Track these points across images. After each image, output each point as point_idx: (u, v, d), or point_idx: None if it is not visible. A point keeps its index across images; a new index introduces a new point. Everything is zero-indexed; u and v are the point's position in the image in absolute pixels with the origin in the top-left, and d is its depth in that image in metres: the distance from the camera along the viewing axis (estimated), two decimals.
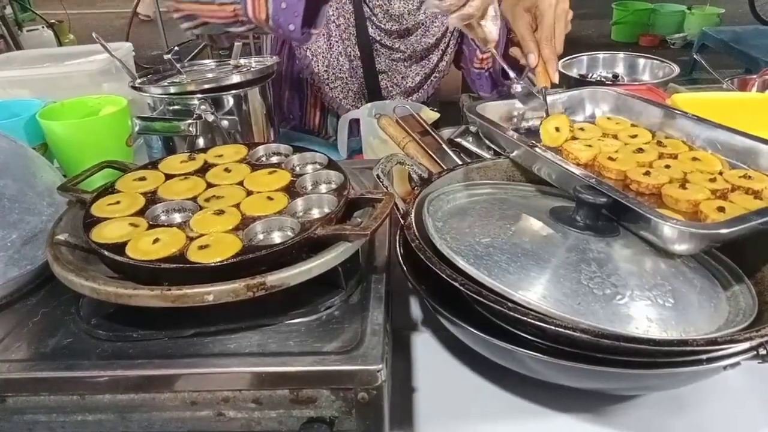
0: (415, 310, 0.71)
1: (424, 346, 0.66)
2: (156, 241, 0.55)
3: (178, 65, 1.02)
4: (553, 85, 0.87)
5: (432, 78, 1.28)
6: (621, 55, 1.44)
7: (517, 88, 0.82)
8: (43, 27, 4.19)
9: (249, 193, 0.63)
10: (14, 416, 0.51)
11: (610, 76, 1.41)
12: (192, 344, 0.52)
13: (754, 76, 1.32)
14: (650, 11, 5.29)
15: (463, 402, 0.60)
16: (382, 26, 1.17)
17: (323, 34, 1.19)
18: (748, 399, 0.60)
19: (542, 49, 0.86)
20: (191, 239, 0.55)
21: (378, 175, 0.68)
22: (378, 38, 1.18)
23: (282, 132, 1.24)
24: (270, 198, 0.61)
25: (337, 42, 1.19)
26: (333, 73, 1.22)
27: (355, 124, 1.11)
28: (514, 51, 0.93)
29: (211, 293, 0.49)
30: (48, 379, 0.49)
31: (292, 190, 0.64)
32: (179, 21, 0.95)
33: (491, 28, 0.78)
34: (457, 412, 0.59)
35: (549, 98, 0.87)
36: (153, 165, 0.71)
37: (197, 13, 0.90)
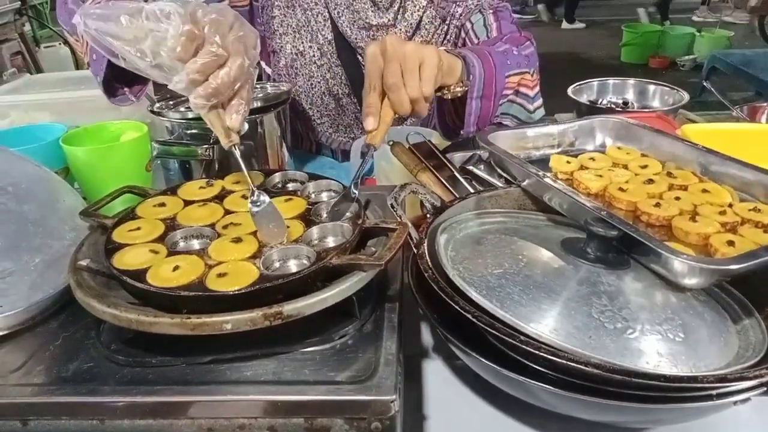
0: (426, 336, 0.72)
1: (436, 373, 0.67)
2: (176, 268, 0.56)
3: None
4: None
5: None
6: (631, 81, 1.46)
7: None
8: (60, 44, 4.27)
9: None
10: None
11: (620, 102, 1.42)
12: (209, 371, 0.53)
13: (765, 104, 1.33)
14: (660, 33, 5.32)
15: (475, 430, 0.60)
16: None
17: (303, 74, 1.19)
18: None
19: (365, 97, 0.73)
20: (210, 267, 0.57)
21: (392, 204, 0.69)
22: None
23: (297, 153, 1.26)
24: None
25: (319, 82, 1.20)
26: (318, 111, 1.23)
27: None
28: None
29: (229, 322, 0.50)
30: (69, 403, 0.51)
31: (307, 218, 0.65)
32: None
33: (236, 115, 0.65)
34: None
35: (560, 127, 0.89)
36: (172, 191, 0.72)
37: (74, 43, 0.92)
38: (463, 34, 1.14)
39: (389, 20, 1.11)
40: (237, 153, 0.66)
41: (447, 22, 1.14)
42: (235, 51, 0.61)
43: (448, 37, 1.16)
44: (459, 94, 0.86)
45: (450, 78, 0.83)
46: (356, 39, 1.13)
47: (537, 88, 1.04)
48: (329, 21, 1.14)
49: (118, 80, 0.87)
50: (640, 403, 0.49)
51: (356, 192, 0.68)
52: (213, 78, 0.61)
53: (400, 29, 1.13)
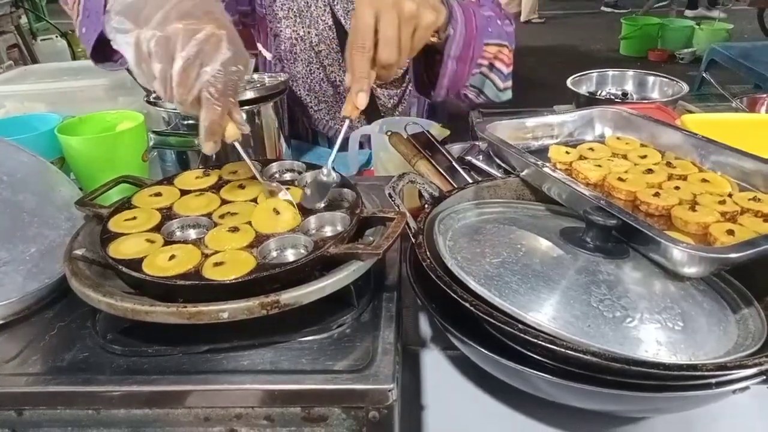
0: (425, 326, 0.71)
1: (434, 363, 0.67)
2: (172, 257, 0.55)
3: None
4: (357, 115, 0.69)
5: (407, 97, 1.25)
6: (630, 72, 1.45)
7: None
8: (56, 36, 4.25)
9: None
10: (30, 429, 0.51)
11: (619, 93, 1.42)
12: (206, 360, 0.53)
13: (764, 95, 1.33)
14: (659, 26, 5.31)
15: (472, 421, 0.60)
16: None
17: (302, 59, 1.18)
18: (757, 422, 0.60)
19: (353, 59, 0.66)
20: (206, 256, 0.56)
21: (390, 194, 0.69)
22: None
23: (294, 143, 1.25)
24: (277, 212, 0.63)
25: (318, 68, 1.19)
26: (315, 97, 1.23)
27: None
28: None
29: (226, 311, 0.50)
30: (64, 393, 0.50)
31: (304, 207, 0.65)
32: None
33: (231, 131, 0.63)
34: (465, 431, 0.59)
35: (559, 117, 0.88)
36: (168, 180, 0.72)
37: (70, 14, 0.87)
38: None
39: None
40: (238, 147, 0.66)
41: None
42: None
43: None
44: (431, 43, 0.81)
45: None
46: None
47: (511, 67, 1.00)
48: (329, 7, 1.14)
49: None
50: (638, 392, 0.48)
51: (334, 174, 0.66)
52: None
53: None
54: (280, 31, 1.19)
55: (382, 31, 0.66)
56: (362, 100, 0.66)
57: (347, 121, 0.69)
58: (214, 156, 0.93)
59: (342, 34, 1.15)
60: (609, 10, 6.82)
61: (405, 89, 1.24)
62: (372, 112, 1.23)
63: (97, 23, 0.78)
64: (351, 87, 0.67)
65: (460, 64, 0.90)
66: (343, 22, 1.13)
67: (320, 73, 1.20)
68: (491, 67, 0.97)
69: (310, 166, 0.73)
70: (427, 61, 0.91)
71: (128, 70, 1.00)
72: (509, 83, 1.01)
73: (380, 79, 0.70)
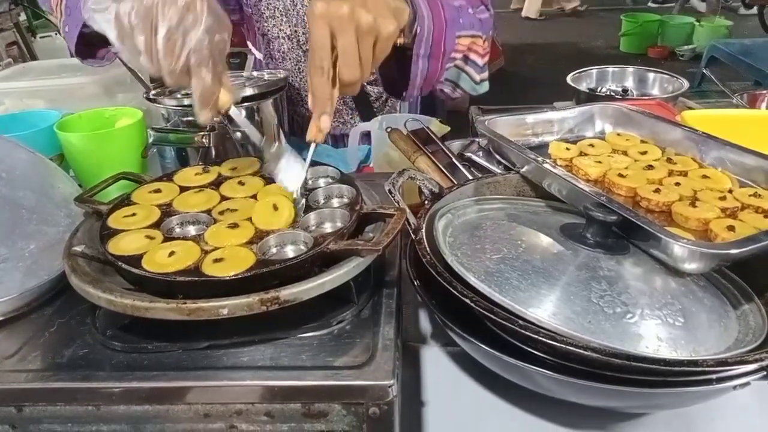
0: (425, 323, 0.71)
1: (434, 359, 0.67)
2: (172, 254, 0.55)
3: None
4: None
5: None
6: (630, 69, 1.45)
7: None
8: (56, 34, 4.23)
9: None
10: (30, 425, 0.51)
11: (619, 90, 1.42)
12: (205, 356, 0.52)
13: (765, 92, 1.33)
14: (659, 23, 5.30)
15: (473, 417, 0.60)
16: None
17: (290, 58, 1.18)
18: (758, 417, 0.60)
19: (312, 81, 0.62)
20: (206, 252, 0.56)
21: (390, 190, 0.69)
22: None
23: (293, 141, 1.25)
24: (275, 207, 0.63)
25: (307, 65, 1.18)
26: (306, 94, 1.22)
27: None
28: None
29: (225, 307, 0.50)
30: (64, 389, 0.50)
31: (305, 205, 0.64)
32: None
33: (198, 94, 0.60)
34: (466, 427, 0.59)
35: (559, 114, 0.88)
36: (168, 177, 0.72)
37: (55, 19, 0.87)
38: None
39: None
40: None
41: None
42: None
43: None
44: (398, 44, 0.78)
45: None
46: None
47: (487, 58, 0.96)
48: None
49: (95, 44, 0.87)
50: (639, 388, 0.48)
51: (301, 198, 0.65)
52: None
53: None
54: (268, 30, 1.18)
55: (340, 49, 0.61)
56: (325, 123, 0.63)
57: (313, 145, 0.66)
58: (213, 152, 0.94)
59: None
60: (656, 5, 6.73)
61: None
62: (364, 108, 1.23)
63: (78, 17, 0.77)
64: (313, 110, 0.63)
65: (432, 61, 0.86)
66: None
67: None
68: (466, 59, 0.94)
69: (311, 163, 0.73)
70: (397, 61, 0.87)
71: (125, 64, 1.00)
72: (485, 74, 0.98)
73: (345, 95, 0.67)
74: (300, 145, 1.27)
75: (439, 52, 0.86)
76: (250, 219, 0.62)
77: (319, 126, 0.63)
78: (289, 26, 1.16)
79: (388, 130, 0.91)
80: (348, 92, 0.65)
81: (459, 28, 0.90)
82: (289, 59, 1.19)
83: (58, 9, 0.83)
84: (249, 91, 0.96)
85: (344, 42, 0.61)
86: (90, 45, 0.85)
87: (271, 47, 1.20)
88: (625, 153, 0.79)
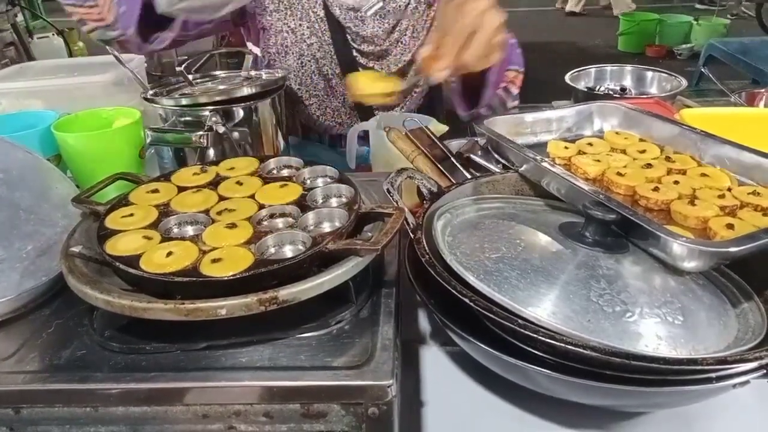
0: (424, 322, 0.71)
1: (433, 359, 0.66)
2: (169, 254, 0.55)
3: (189, 77, 1.03)
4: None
5: (413, 93, 1.26)
6: (629, 68, 1.45)
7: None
8: (53, 34, 4.23)
9: (261, 206, 0.64)
10: (28, 427, 0.51)
11: (617, 88, 1.42)
12: (204, 357, 0.52)
13: (762, 90, 1.33)
14: (657, 22, 5.30)
15: (472, 416, 0.60)
16: (358, 47, 1.16)
17: (293, 53, 1.18)
18: (757, 416, 0.60)
19: (443, 42, 0.73)
20: (204, 252, 0.56)
21: (388, 190, 0.68)
22: (357, 59, 1.17)
23: (292, 140, 1.25)
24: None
25: (309, 61, 1.18)
26: (307, 91, 1.22)
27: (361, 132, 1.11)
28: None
29: (224, 307, 0.50)
30: (62, 390, 0.50)
31: (303, 204, 0.64)
32: (78, 22, 0.98)
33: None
34: (465, 427, 0.59)
35: (558, 112, 0.88)
36: (165, 177, 0.71)
37: (78, 15, 0.92)
38: None
39: (376, 1, 1.11)
40: None
41: (433, 7, 1.15)
42: None
43: (435, 22, 1.15)
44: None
45: None
46: (345, 19, 1.12)
47: (519, 89, 1.08)
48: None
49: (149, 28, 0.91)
50: (638, 387, 0.48)
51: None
52: None
53: (389, 10, 1.12)
54: (271, 24, 1.18)
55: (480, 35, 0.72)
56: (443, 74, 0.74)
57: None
58: (212, 153, 0.94)
59: (334, 25, 1.14)
60: (704, 7, 6.74)
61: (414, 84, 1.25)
62: (363, 109, 1.23)
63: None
64: (433, 62, 0.73)
65: (491, 89, 0.96)
66: (338, 12, 1.12)
67: (312, 66, 1.19)
68: (506, 90, 1.04)
69: (308, 162, 0.73)
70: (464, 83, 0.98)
71: (124, 64, 1.00)
72: (516, 102, 1.08)
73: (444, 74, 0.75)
74: (300, 144, 1.28)
75: (498, 81, 0.97)
76: (248, 219, 0.61)
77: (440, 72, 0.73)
78: (294, 20, 1.16)
79: (387, 129, 0.91)
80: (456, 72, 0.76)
81: (509, 63, 1.03)
82: (292, 53, 1.19)
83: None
84: (247, 91, 0.95)
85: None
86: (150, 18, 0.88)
87: (272, 42, 1.20)
88: (623, 151, 0.79)
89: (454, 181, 0.78)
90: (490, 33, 0.73)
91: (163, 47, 0.95)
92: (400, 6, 1.12)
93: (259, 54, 1.25)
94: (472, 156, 0.85)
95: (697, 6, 6.74)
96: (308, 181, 0.70)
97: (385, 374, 0.49)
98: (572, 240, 0.61)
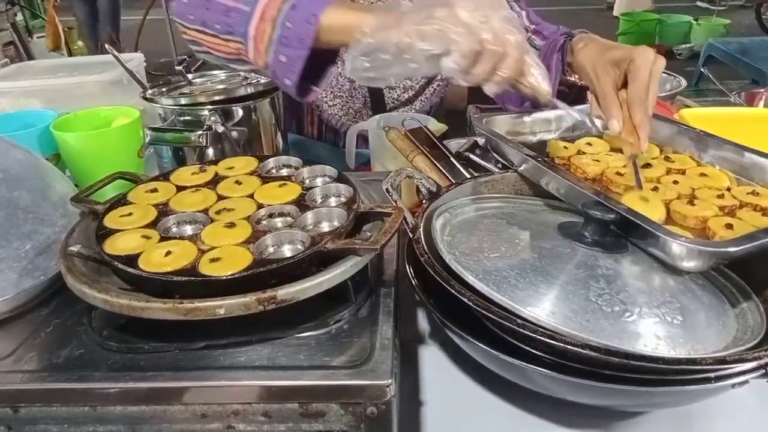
0: (423, 322, 0.71)
1: (432, 359, 0.66)
2: (168, 253, 0.55)
3: (189, 76, 1.03)
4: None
5: (434, 86, 1.27)
6: None
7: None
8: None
9: (260, 206, 0.64)
10: (26, 427, 0.51)
11: None
12: (202, 357, 0.52)
13: (762, 90, 1.33)
14: (656, 22, 5.30)
15: (471, 416, 0.60)
16: None
17: None
18: (756, 416, 0.60)
19: (633, 112, 0.73)
20: (203, 252, 0.56)
21: (387, 189, 0.68)
22: None
23: (291, 139, 1.25)
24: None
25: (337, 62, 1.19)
26: (332, 92, 1.22)
27: (362, 135, 1.11)
28: (593, 107, 0.80)
29: (222, 307, 0.50)
30: (60, 390, 0.50)
31: (302, 203, 0.64)
32: (188, 42, 0.92)
33: (539, 81, 0.67)
34: (464, 427, 0.59)
35: (557, 112, 0.88)
36: (164, 177, 0.71)
37: (202, 42, 0.82)
38: None
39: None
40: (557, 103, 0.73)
41: None
42: (506, 41, 0.63)
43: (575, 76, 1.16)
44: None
45: None
46: None
47: None
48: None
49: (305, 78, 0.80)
50: (637, 387, 0.48)
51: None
52: (502, 70, 0.64)
53: None
54: None
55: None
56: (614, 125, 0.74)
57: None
58: (211, 152, 0.94)
59: None
60: (705, 5, 6.73)
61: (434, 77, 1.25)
62: (379, 108, 1.23)
63: (301, 48, 0.73)
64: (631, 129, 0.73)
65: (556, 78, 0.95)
66: None
67: (339, 66, 1.19)
68: None
69: (308, 162, 0.73)
70: None
71: (122, 64, 0.98)
72: None
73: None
74: (299, 145, 1.27)
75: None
76: (247, 218, 0.61)
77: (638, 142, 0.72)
78: None
79: (386, 129, 0.91)
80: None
81: None
82: None
83: (260, 39, 0.75)
84: (246, 90, 0.95)
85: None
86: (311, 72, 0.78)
87: None
88: (622, 151, 0.79)
89: (453, 181, 0.78)
90: (660, 77, 0.74)
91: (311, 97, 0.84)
92: None
93: None
94: (472, 156, 0.85)
95: (698, 3, 6.72)
96: (307, 181, 0.70)
97: (384, 374, 0.49)
98: (571, 240, 0.61)
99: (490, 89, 0.66)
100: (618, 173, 0.72)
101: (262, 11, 0.73)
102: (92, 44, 4.71)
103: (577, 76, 0.90)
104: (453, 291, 0.54)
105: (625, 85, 0.75)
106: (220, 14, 0.77)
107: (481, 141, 0.86)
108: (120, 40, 4.77)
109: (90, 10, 4.70)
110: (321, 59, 0.76)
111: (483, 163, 0.83)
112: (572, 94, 0.98)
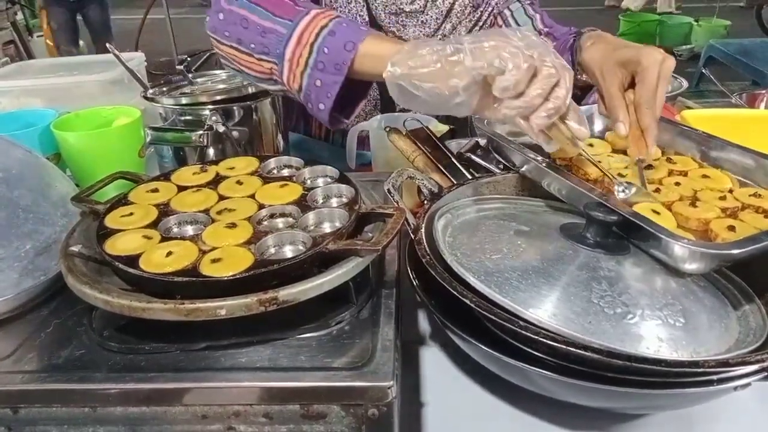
0: (424, 323, 0.71)
1: (433, 360, 0.66)
2: (169, 254, 0.55)
3: (190, 76, 1.03)
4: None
5: None
6: None
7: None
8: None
9: (261, 206, 0.64)
10: (26, 427, 0.51)
11: None
12: (203, 358, 0.52)
13: (763, 91, 1.33)
14: (657, 23, 5.30)
15: (472, 418, 0.60)
16: None
17: None
18: (758, 418, 0.59)
19: (641, 115, 0.71)
20: (204, 252, 0.56)
21: (389, 190, 0.68)
22: None
23: (292, 139, 1.25)
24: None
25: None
26: None
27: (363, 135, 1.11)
28: (599, 105, 0.80)
29: (223, 307, 0.49)
30: (60, 390, 0.50)
31: (303, 204, 0.64)
32: (220, 58, 0.87)
33: (578, 125, 0.63)
34: (465, 428, 0.59)
35: None
36: (165, 176, 0.71)
37: (235, 59, 0.81)
38: (500, 21, 1.13)
39: (420, 6, 1.10)
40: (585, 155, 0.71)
41: (480, 9, 1.14)
42: (561, 66, 0.60)
43: (480, 23, 1.15)
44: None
45: None
46: (387, 24, 1.12)
47: None
48: (365, 3, 1.13)
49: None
50: (640, 389, 0.48)
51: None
52: (553, 98, 0.60)
53: (431, 16, 1.12)
54: None
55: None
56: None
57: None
58: (212, 152, 0.94)
59: (377, 29, 1.14)
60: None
61: None
62: (389, 109, 1.22)
63: (337, 74, 0.72)
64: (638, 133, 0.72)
65: None
66: (382, 17, 1.11)
67: None
68: None
69: (309, 162, 0.73)
70: None
71: (123, 64, 0.98)
72: None
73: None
74: (299, 145, 1.27)
75: None
76: (248, 219, 0.61)
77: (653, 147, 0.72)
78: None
79: (387, 129, 0.90)
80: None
81: None
82: None
83: (295, 62, 0.74)
84: (247, 90, 0.95)
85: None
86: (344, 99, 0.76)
87: None
88: (624, 152, 0.78)
89: (454, 182, 0.78)
90: (668, 79, 0.73)
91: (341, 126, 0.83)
92: (441, 11, 1.12)
93: None
94: (473, 156, 0.85)
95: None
96: (308, 181, 0.70)
97: (386, 375, 0.49)
98: (573, 241, 0.61)
99: (537, 123, 0.60)
100: (620, 174, 0.71)
101: (300, 35, 0.72)
102: (73, 52, 4.58)
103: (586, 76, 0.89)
104: (454, 292, 0.53)
105: (632, 85, 0.74)
106: (256, 34, 0.76)
107: (482, 142, 0.85)
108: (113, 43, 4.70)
109: (71, 17, 4.48)
110: (354, 93, 0.76)
111: (484, 163, 0.83)
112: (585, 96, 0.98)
